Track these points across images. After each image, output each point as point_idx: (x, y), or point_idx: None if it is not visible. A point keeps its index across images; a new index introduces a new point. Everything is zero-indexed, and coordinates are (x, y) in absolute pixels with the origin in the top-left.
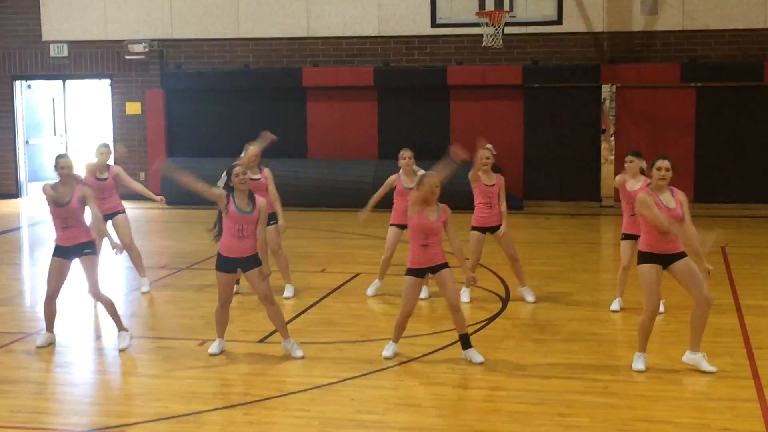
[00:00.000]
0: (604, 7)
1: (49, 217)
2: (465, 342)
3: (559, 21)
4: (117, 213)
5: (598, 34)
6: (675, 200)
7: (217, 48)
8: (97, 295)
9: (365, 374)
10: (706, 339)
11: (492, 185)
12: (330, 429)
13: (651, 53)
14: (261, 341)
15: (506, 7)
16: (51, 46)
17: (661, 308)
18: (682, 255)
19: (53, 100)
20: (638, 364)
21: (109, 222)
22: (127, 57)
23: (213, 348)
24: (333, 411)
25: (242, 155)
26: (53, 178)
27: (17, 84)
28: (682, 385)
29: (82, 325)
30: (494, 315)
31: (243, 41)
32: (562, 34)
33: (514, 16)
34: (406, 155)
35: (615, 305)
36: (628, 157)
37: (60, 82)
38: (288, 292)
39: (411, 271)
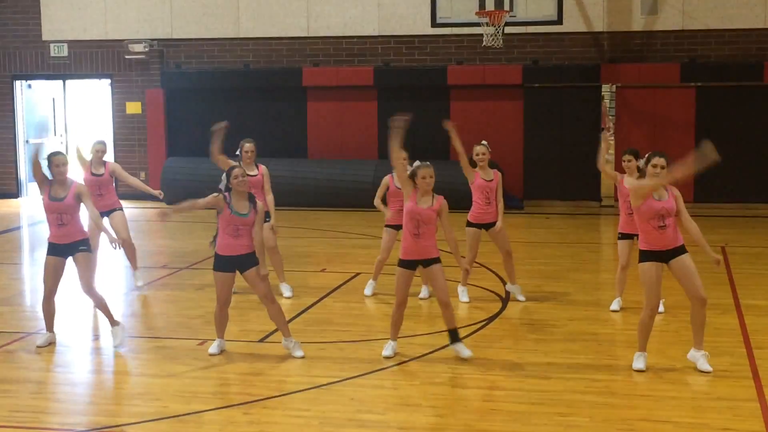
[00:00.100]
0: (604, 7)
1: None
2: (453, 336)
3: (559, 21)
4: (114, 210)
5: (598, 34)
6: (669, 195)
7: (217, 48)
8: (90, 293)
9: (365, 374)
10: (706, 339)
11: (490, 180)
12: (330, 429)
13: (651, 53)
14: (260, 341)
15: (506, 6)
16: (51, 45)
17: (661, 308)
18: (683, 250)
19: (53, 99)
20: (638, 363)
21: (106, 219)
22: (127, 57)
23: (213, 348)
24: (333, 410)
25: (238, 152)
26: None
27: (17, 84)
28: (682, 384)
29: (82, 324)
30: (494, 315)
31: (243, 41)
32: (562, 34)
33: (514, 16)
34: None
35: (615, 305)
36: (626, 156)
37: (60, 81)
38: (287, 292)
39: (402, 263)
